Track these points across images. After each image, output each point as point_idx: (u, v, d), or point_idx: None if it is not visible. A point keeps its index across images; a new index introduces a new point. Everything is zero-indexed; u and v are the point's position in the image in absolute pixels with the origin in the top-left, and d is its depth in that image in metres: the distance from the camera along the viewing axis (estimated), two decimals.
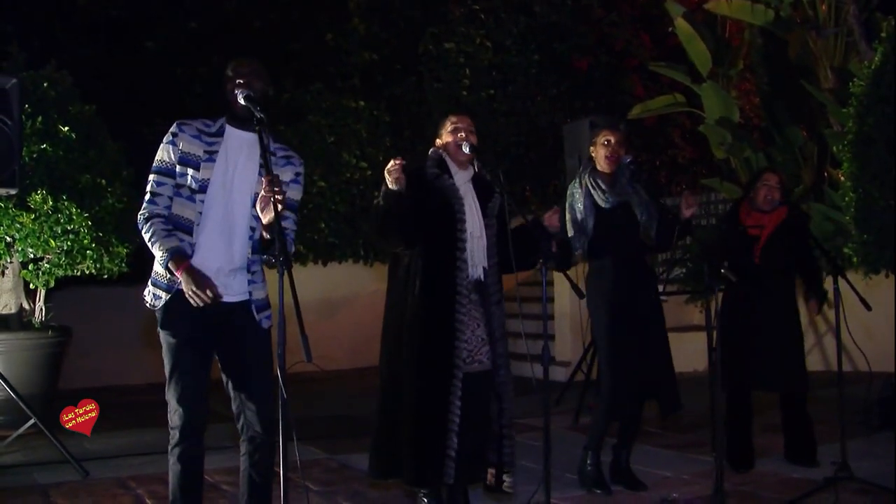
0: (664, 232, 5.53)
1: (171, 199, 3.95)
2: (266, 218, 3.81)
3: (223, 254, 3.98)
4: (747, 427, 6.03)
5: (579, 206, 5.52)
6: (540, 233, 4.78)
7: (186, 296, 3.80)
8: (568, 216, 5.55)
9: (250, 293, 4.03)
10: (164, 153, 3.98)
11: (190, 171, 3.94)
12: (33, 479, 6.32)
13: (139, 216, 3.96)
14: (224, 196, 3.97)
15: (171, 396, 3.96)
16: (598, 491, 5.49)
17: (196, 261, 3.91)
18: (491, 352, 4.75)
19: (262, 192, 3.77)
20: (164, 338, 3.96)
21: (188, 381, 3.93)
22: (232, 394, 4.08)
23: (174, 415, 3.96)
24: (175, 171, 3.95)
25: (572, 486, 5.60)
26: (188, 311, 3.89)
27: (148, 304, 3.99)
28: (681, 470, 6.02)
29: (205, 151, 3.96)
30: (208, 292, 3.79)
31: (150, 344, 10.72)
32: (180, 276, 3.82)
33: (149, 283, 4.01)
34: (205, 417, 4.01)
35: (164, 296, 3.93)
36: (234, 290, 4.01)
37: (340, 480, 6.08)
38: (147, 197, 3.97)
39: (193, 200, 3.94)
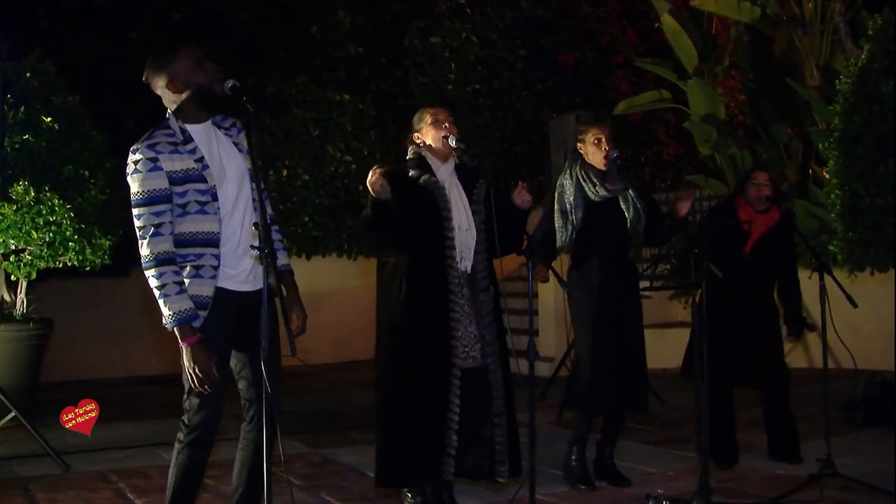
0: (655, 227, 5.51)
1: (171, 223, 3.74)
2: None
3: (245, 246, 3.85)
4: (729, 423, 6.02)
5: (569, 197, 5.48)
6: (514, 220, 4.79)
7: (185, 371, 3.68)
8: (556, 207, 5.52)
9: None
10: (153, 182, 3.69)
11: (193, 186, 3.74)
12: (14, 472, 6.28)
13: (149, 254, 3.69)
14: (229, 193, 3.84)
15: (193, 397, 3.82)
16: (583, 486, 5.48)
17: (230, 267, 3.83)
18: (480, 344, 4.73)
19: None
20: None
21: (216, 385, 3.79)
22: (245, 383, 3.96)
23: (194, 415, 3.84)
24: (171, 194, 3.72)
25: (557, 481, 5.59)
26: (220, 312, 3.78)
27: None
28: (665, 466, 6.02)
29: (195, 161, 3.76)
30: (207, 379, 3.66)
31: (133, 337, 10.74)
32: (185, 350, 3.67)
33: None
34: (221, 418, 3.93)
35: (202, 313, 3.76)
36: (260, 276, 3.85)
37: (324, 475, 6.06)
38: (150, 231, 3.69)
39: (207, 212, 3.76)
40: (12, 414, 6.74)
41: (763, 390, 6.10)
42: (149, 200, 3.71)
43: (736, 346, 5.87)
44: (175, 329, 3.68)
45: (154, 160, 3.71)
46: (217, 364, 3.76)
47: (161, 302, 3.69)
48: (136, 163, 3.73)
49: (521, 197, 4.80)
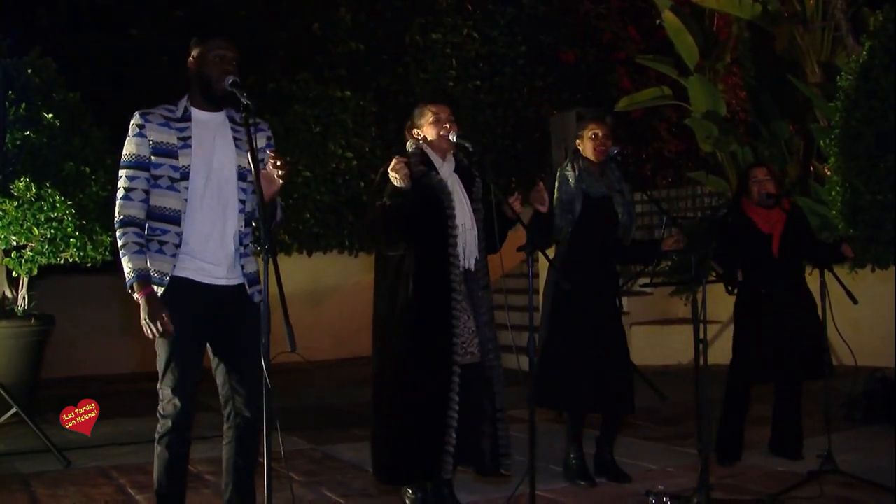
0: (639, 252, 5.60)
1: (145, 192, 3.85)
2: (270, 190, 3.80)
3: (220, 239, 3.91)
4: (742, 420, 6.00)
5: (571, 188, 5.49)
6: (506, 221, 4.78)
7: (141, 323, 3.75)
8: (556, 195, 5.50)
9: (242, 267, 3.97)
10: (133, 147, 3.85)
11: (168, 161, 3.85)
12: (14, 468, 6.28)
13: (117, 215, 3.86)
14: (209, 180, 3.89)
15: (164, 386, 3.90)
16: (582, 483, 5.48)
17: (193, 251, 3.87)
18: (478, 339, 4.72)
19: (269, 168, 3.76)
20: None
21: (184, 371, 3.86)
22: (221, 379, 4.01)
23: (167, 404, 3.91)
24: (148, 163, 3.85)
25: (557, 478, 5.60)
26: (184, 301, 3.84)
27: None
28: (665, 462, 6.02)
29: (178, 138, 3.87)
30: (159, 326, 3.73)
31: (133, 333, 10.71)
32: (139, 301, 3.76)
33: None
34: (195, 408, 3.97)
35: (158, 290, 3.83)
36: (232, 273, 3.95)
37: (324, 471, 6.06)
38: (121, 194, 3.86)
39: (176, 189, 3.85)
40: (13, 410, 6.75)
41: (809, 379, 6.02)
42: (127, 164, 3.89)
43: (783, 341, 5.82)
44: (133, 285, 3.77)
45: (141, 126, 3.87)
46: (185, 351, 3.85)
47: (123, 260, 3.81)
48: (129, 127, 3.90)
49: (536, 200, 4.87)
